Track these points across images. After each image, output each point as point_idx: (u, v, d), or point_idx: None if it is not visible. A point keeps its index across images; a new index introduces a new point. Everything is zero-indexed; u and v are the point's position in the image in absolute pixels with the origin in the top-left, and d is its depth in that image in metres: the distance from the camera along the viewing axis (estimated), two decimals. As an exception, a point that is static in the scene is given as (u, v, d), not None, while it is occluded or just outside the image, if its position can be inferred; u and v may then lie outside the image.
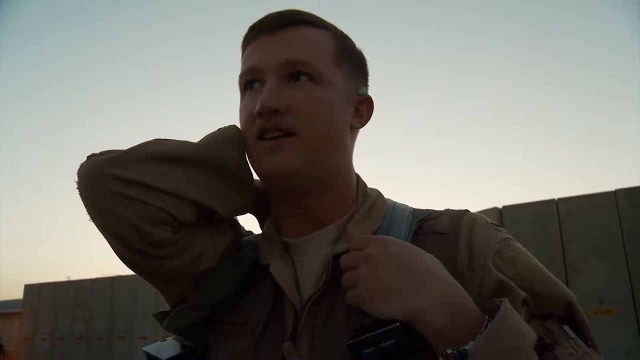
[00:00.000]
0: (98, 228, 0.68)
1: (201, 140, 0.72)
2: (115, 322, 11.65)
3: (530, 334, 0.55)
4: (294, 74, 0.70)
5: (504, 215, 6.86)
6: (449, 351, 0.54)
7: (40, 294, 13.46)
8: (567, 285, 0.67)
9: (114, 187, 0.64)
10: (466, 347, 0.53)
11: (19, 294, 15.01)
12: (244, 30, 0.76)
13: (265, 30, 0.73)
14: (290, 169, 0.68)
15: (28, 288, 13.97)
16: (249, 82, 0.73)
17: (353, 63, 0.77)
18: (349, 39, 0.78)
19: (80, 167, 0.67)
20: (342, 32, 0.77)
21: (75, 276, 21.21)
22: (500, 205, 7.10)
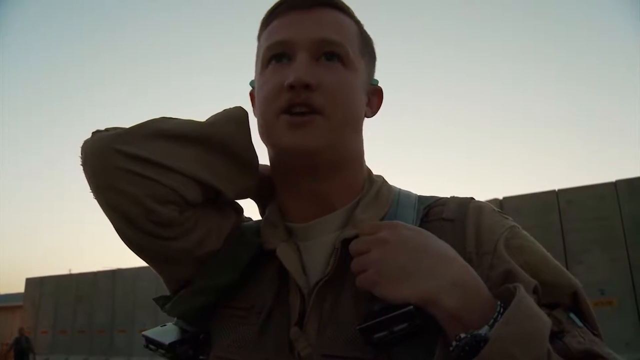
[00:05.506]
0: (102, 207, 0.66)
1: (207, 119, 0.71)
2: (116, 315, 11.68)
3: (546, 319, 0.55)
4: (326, 53, 0.70)
5: (504, 206, 6.89)
6: (462, 335, 0.54)
7: (41, 288, 13.49)
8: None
9: (121, 163, 0.63)
10: (480, 332, 0.53)
11: (20, 288, 15.08)
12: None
13: (298, 6, 0.72)
14: (312, 147, 0.67)
15: (29, 281, 14.01)
16: (276, 55, 0.71)
17: (370, 54, 0.78)
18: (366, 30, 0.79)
19: (85, 143, 0.66)
20: (360, 22, 0.78)
21: (77, 269, 21.27)
22: (500, 196, 7.14)
